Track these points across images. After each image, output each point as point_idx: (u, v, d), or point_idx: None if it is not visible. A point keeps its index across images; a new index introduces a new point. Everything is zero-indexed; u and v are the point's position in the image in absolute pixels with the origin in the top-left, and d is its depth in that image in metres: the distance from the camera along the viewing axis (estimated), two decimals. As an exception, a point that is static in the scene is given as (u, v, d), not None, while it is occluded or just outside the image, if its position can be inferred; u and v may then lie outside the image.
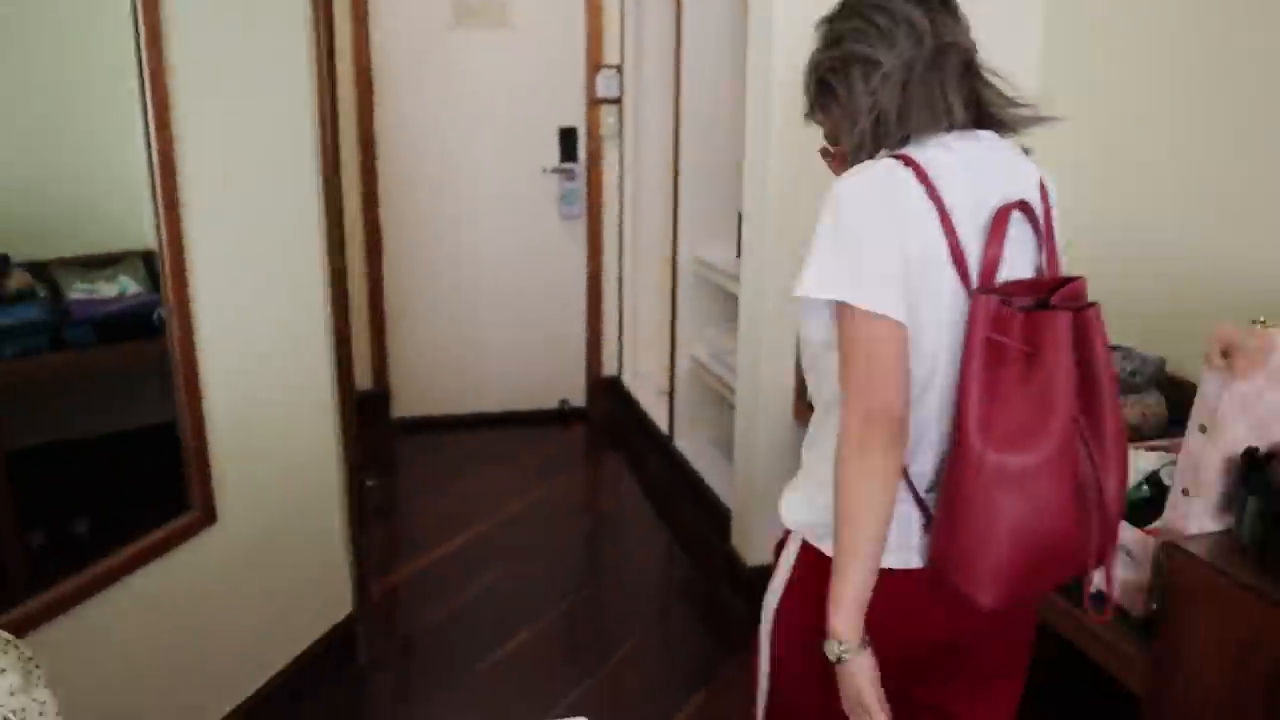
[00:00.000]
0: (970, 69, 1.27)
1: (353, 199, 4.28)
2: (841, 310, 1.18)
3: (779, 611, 1.40)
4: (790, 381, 2.78)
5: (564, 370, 4.73)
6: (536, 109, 4.36)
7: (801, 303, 1.24)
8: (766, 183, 2.63)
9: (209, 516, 2.15)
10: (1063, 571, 1.27)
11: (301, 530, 2.47)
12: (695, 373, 3.82)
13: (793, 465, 1.47)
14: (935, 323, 1.20)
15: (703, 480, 3.55)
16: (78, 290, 2.17)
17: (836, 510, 1.19)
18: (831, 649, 1.20)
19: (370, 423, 4.48)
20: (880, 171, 1.21)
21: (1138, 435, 2.02)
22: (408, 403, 4.64)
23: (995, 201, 1.21)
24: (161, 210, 1.95)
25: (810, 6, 1.42)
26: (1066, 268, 1.30)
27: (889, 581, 1.22)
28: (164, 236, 1.96)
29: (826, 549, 1.27)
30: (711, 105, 3.53)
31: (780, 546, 1.41)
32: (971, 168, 1.22)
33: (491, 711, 2.55)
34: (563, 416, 4.77)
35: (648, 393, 4.36)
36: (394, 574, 3.28)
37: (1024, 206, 1.24)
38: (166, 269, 1.98)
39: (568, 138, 4.38)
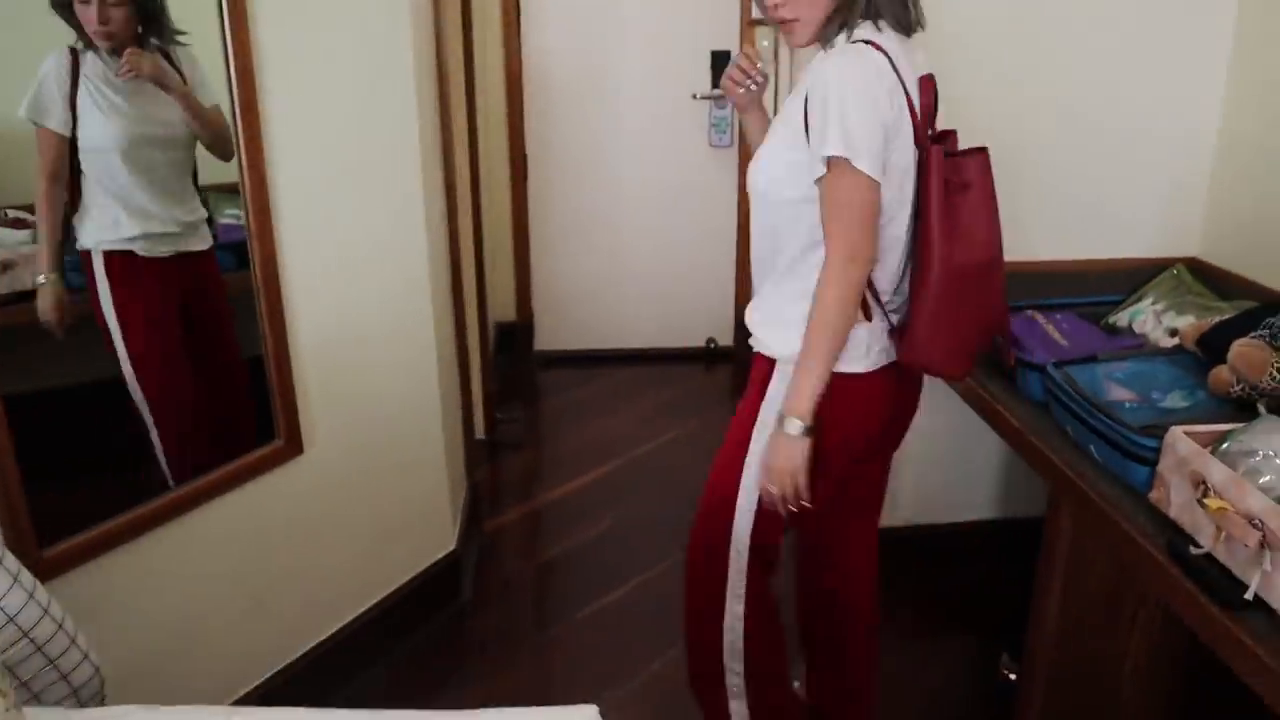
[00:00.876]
0: None
1: (497, 126, 4.20)
2: (843, 172, 1.46)
3: (826, 435, 1.60)
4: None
5: (711, 308, 4.55)
6: (686, 29, 4.14)
7: (783, 163, 1.56)
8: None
9: (295, 447, 2.10)
10: (991, 335, 1.75)
11: (399, 464, 2.40)
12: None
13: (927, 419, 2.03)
14: (900, 169, 1.53)
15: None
16: (225, 216, 2.15)
17: (814, 325, 1.52)
18: (794, 425, 1.54)
19: (511, 355, 4.47)
20: (868, 57, 1.48)
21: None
22: (550, 335, 4.58)
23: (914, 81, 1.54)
24: (239, 112, 1.87)
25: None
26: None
27: (865, 382, 1.63)
28: (242, 148, 1.88)
29: (838, 367, 1.58)
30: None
31: (763, 372, 1.67)
32: (903, 57, 1.53)
33: (572, 669, 2.46)
34: (709, 355, 4.59)
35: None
36: (511, 511, 3.22)
37: (931, 80, 1.58)
38: (245, 184, 1.91)
39: (719, 61, 4.13)
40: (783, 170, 1.57)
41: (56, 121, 1.85)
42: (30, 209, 1.89)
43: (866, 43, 1.48)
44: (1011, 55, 2.32)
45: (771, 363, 1.66)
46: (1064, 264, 2.46)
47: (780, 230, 1.61)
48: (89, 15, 1.81)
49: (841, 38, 1.52)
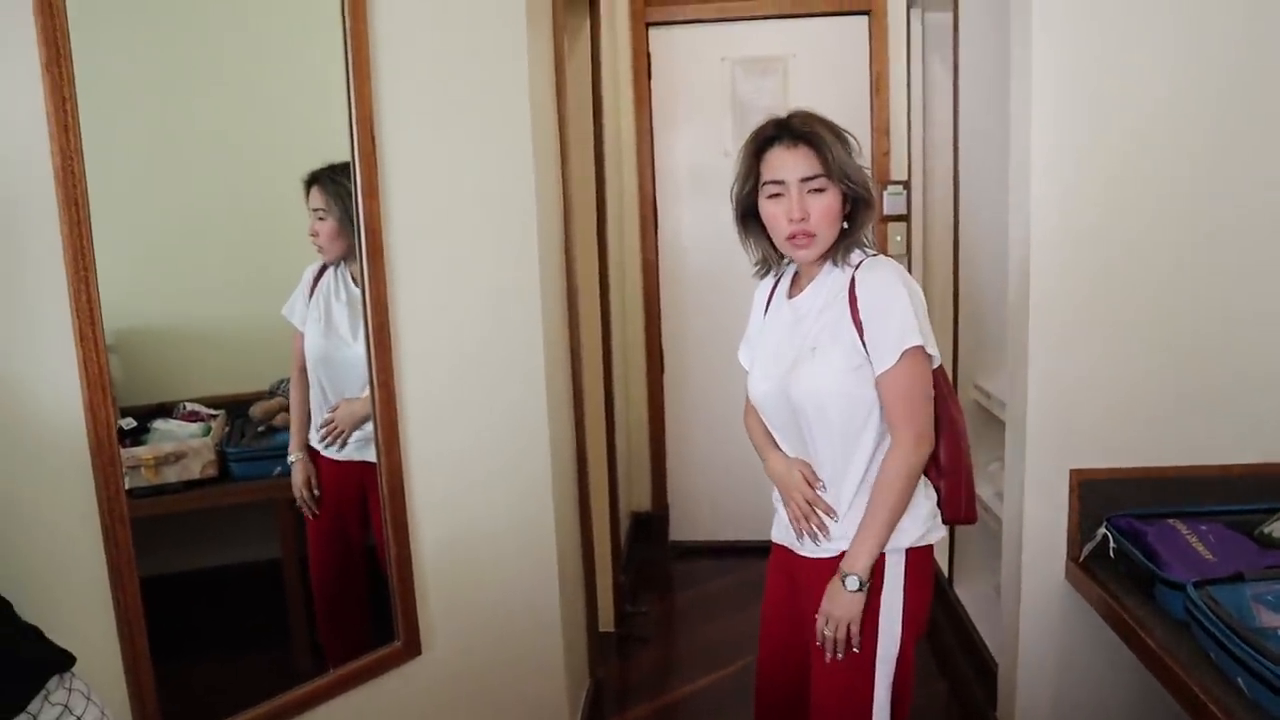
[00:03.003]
0: None
1: (634, 318, 4.35)
2: (916, 360, 1.73)
3: (906, 613, 1.80)
4: (1063, 529, 2.38)
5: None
6: (820, 228, 4.23)
7: (847, 372, 1.75)
8: (1026, 304, 2.32)
9: (414, 648, 2.15)
10: None
11: (516, 664, 2.40)
12: (981, 515, 3.42)
13: (1062, 631, 2.39)
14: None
15: (976, 631, 3.14)
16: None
17: (885, 498, 1.75)
18: (854, 581, 1.75)
19: (647, 545, 4.47)
20: (897, 264, 1.80)
21: None
22: (686, 526, 4.56)
23: None
24: (373, 344, 2.01)
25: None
26: None
27: (929, 556, 1.87)
28: (374, 367, 2.02)
29: (923, 541, 1.83)
30: (990, 218, 3.23)
31: (878, 569, 1.79)
32: None
33: None
34: (846, 550, 4.46)
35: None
36: (639, 708, 3.15)
37: None
38: (375, 398, 2.03)
39: (854, 257, 4.19)
40: (849, 378, 1.75)
41: (298, 320, 2.16)
42: (207, 402, 2.11)
43: (876, 255, 1.81)
44: (1143, 251, 2.28)
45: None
46: (1210, 469, 2.32)
47: (850, 433, 1.78)
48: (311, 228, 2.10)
49: (856, 255, 1.79)
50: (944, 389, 1.85)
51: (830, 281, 1.80)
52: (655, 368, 4.41)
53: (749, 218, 1.87)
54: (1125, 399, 2.32)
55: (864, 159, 1.81)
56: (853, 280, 1.75)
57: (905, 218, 4.12)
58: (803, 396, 1.78)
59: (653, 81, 4.29)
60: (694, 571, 4.34)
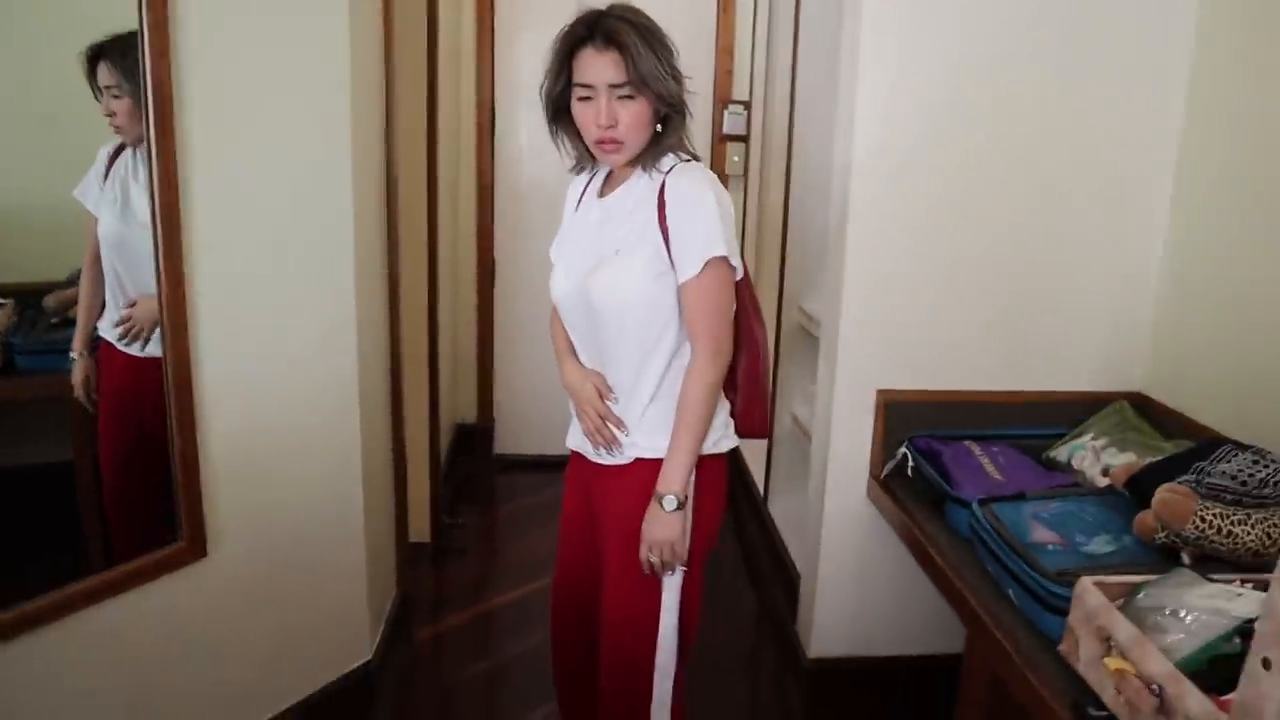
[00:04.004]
0: None
1: (466, 232, 4.22)
2: (719, 271, 1.69)
3: (695, 523, 1.77)
4: (867, 447, 2.44)
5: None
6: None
7: (649, 277, 1.69)
8: (844, 228, 2.33)
9: (199, 549, 2.03)
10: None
11: (311, 569, 2.31)
12: (794, 433, 3.50)
13: (861, 545, 2.46)
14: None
15: (784, 546, 3.23)
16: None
17: (690, 414, 1.70)
18: (671, 501, 1.70)
19: (471, 457, 4.40)
20: (709, 173, 1.74)
21: (1258, 565, 1.61)
22: (512, 439, 4.51)
23: None
24: (158, 206, 1.84)
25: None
26: None
27: (724, 460, 1.85)
28: (160, 241, 1.86)
29: (713, 449, 1.80)
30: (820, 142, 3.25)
31: (644, 478, 1.75)
32: None
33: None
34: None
35: (752, 450, 4.05)
36: (450, 619, 3.11)
37: None
38: (161, 279, 1.88)
39: (691, 175, 4.17)
40: (651, 284, 1.70)
41: (91, 204, 1.98)
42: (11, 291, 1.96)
43: (693, 158, 1.76)
44: (955, 182, 2.32)
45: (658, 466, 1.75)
46: (1004, 395, 2.42)
47: (647, 340, 1.74)
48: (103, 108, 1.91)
49: (668, 160, 1.73)
50: (747, 301, 1.82)
51: (640, 185, 1.74)
52: (485, 278, 4.30)
53: (561, 115, 1.79)
54: (930, 324, 2.38)
55: (684, 61, 1.74)
56: (663, 185, 1.70)
57: (744, 138, 4.11)
58: (601, 298, 1.73)
59: (495, -21, 4.11)
60: (517, 485, 4.31)
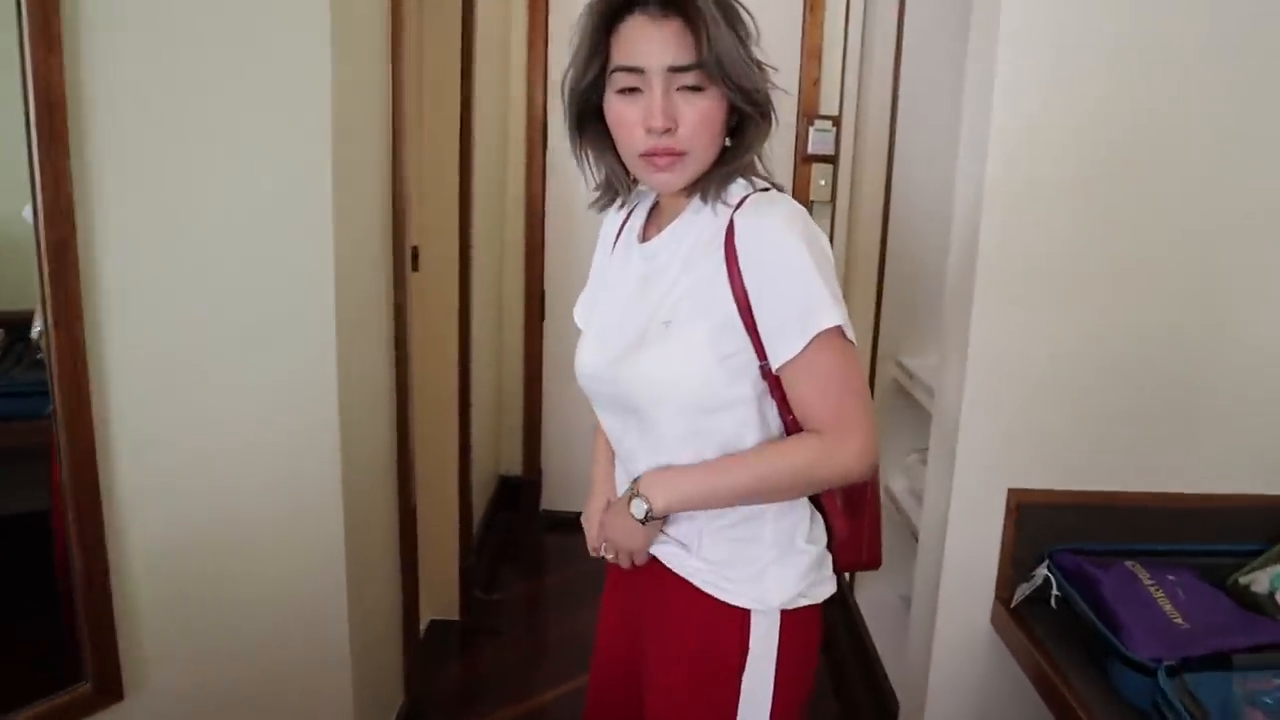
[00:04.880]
0: None
1: (515, 253, 3.76)
2: (837, 347, 1.16)
3: (777, 688, 1.28)
4: (993, 562, 1.89)
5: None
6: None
7: (713, 359, 1.18)
8: (972, 272, 1.79)
9: (111, 691, 1.56)
10: None
11: (281, 696, 1.83)
12: (887, 509, 2.94)
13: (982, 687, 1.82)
14: None
15: (877, 656, 2.67)
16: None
17: (754, 475, 1.20)
18: (640, 508, 1.24)
19: (515, 514, 3.93)
20: (795, 204, 1.21)
21: None
22: (563, 494, 4.02)
23: None
24: (45, 236, 1.38)
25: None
26: None
27: (814, 619, 1.33)
28: (46, 292, 1.39)
29: (802, 601, 1.29)
30: (933, 163, 2.70)
31: (713, 622, 1.28)
32: None
33: None
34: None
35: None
36: (472, 726, 2.62)
37: None
38: (52, 356, 1.42)
39: (770, 201, 3.65)
40: (716, 371, 1.19)
41: None
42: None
43: (771, 186, 1.25)
44: (1117, 224, 1.76)
45: (733, 615, 1.28)
46: (1168, 497, 1.84)
47: (713, 442, 1.23)
48: None
49: (738, 188, 1.22)
50: None
51: (699, 224, 1.23)
52: (534, 312, 3.82)
53: (588, 121, 1.28)
54: (1085, 405, 1.82)
55: (765, 56, 1.23)
56: (730, 226, 1.18)
57: (833, 159, 3.57)
58: (644, 390, 1.23)
59: (553, -23, 3.64)
60: (566, 547, 3.81)
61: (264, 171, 1.63)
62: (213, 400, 1.65)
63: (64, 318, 1.40)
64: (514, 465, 4.00)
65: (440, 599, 3.04)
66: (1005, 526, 1.84)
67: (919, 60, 2.75)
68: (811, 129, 3.56)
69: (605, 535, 1.35)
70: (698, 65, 1.14)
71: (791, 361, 1.16)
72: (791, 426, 1.22)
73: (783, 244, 1.14)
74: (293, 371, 1.72)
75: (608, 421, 1.36)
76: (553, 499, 4.02)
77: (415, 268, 2.70)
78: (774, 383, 1.20)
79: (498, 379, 3.84)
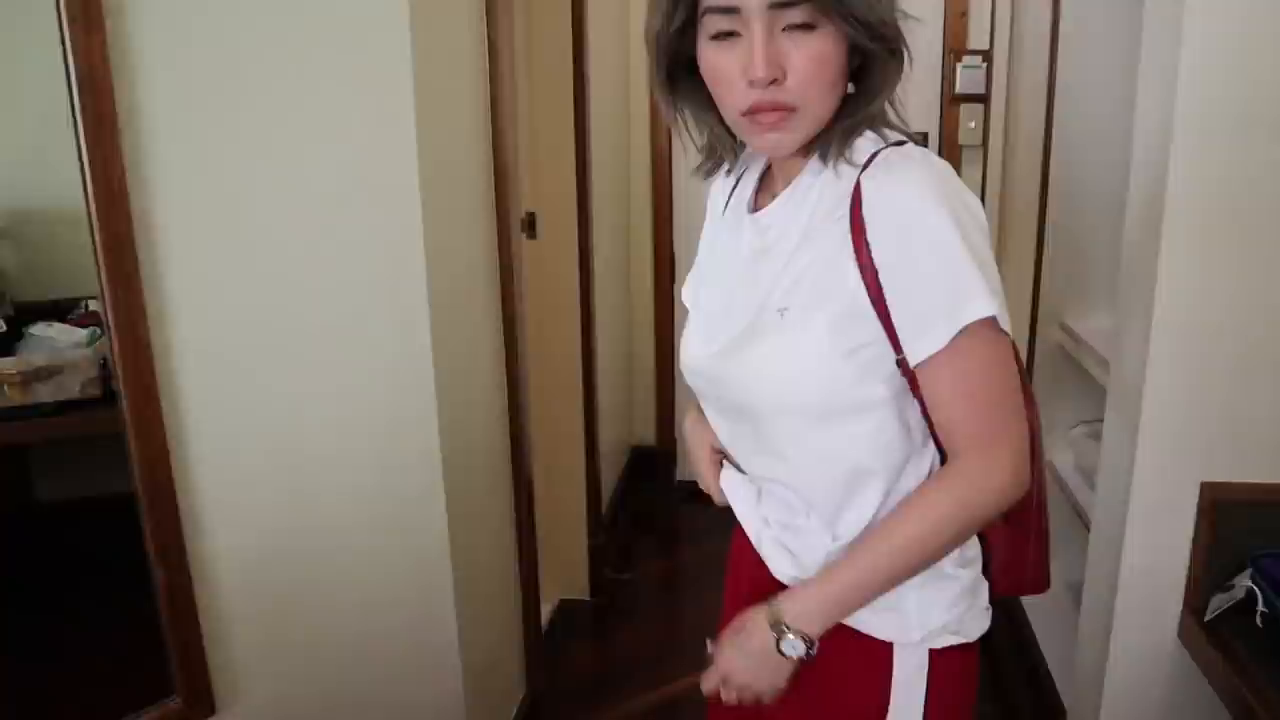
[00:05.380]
0: None
1: (641, 210, 3.58)
2: (990, 340, 0.96)
3: None
4: (1181, 566, 1.62)
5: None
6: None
7: (838, 356, 0.98)
8: (1159, 221, 1.51)
9: (203, 706, 1.48)
10: None
11: (389, 704, 1.73)
12: (1053, 490, 2.65)
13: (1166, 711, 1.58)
14: None
15: (1042, 658, 2.41)
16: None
17: (904, 545, 1.00)
18: (797, 647, 1.02)
19: (651, 483, 3.79)
20: (939, 164, 0.97)
21: None
22: (699, 463, 3.86)
23: None
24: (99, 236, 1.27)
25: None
26: None
27: (972, 660, 1.13)
28: (106, 292, 1.29)
29: (953, 638, 1.08)
30: (1105, 98, 2.37)
31: (852, 657, 1.08)
32: None
33: None
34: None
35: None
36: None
37: None
38: (116, 359, 1.31)
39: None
40: (841, 367, 0.98)
41: None
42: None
43: (908, 139, 1.01)
44: None
45: (874, 649, 1.09)
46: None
47: (839, 459, 1.04)
48: None
49: (867, 143, 0.99)
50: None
51: (819, 189, 1.01)
52: (664, 278, 3.64)
53: (681, 75, 1.06)
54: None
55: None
56: (857, 189, 0.96)
57: (984, 98, 3.24)
58: (756, 388, 1.03)
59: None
60: (702, 520, 3.63)
61: (339, 143, 1.49)
62: (293, 395, 1.54)
63: (125, 316, 1.30)
64: (647, 435, 3.85)
65: (568, 579, 2.93)
66: (1198, 525, 1.57)
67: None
68: (960, 66, 3.24)
69: (734, 676, 1.08)
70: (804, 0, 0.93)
71: (932, 358, 0.95)
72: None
73: (920, 211, 0.93)
74: (382, 355, 1.59)
75: (717, 423, 1.17)
76: (688, 469, 3.86)
77: (532, 235, 2.56)
78: (914, 379, 0.99)
79: (628, 346, 3.69)
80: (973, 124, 3.26)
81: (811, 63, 0.94)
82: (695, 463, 1.23)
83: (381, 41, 1.48)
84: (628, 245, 3.59)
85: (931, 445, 1.05)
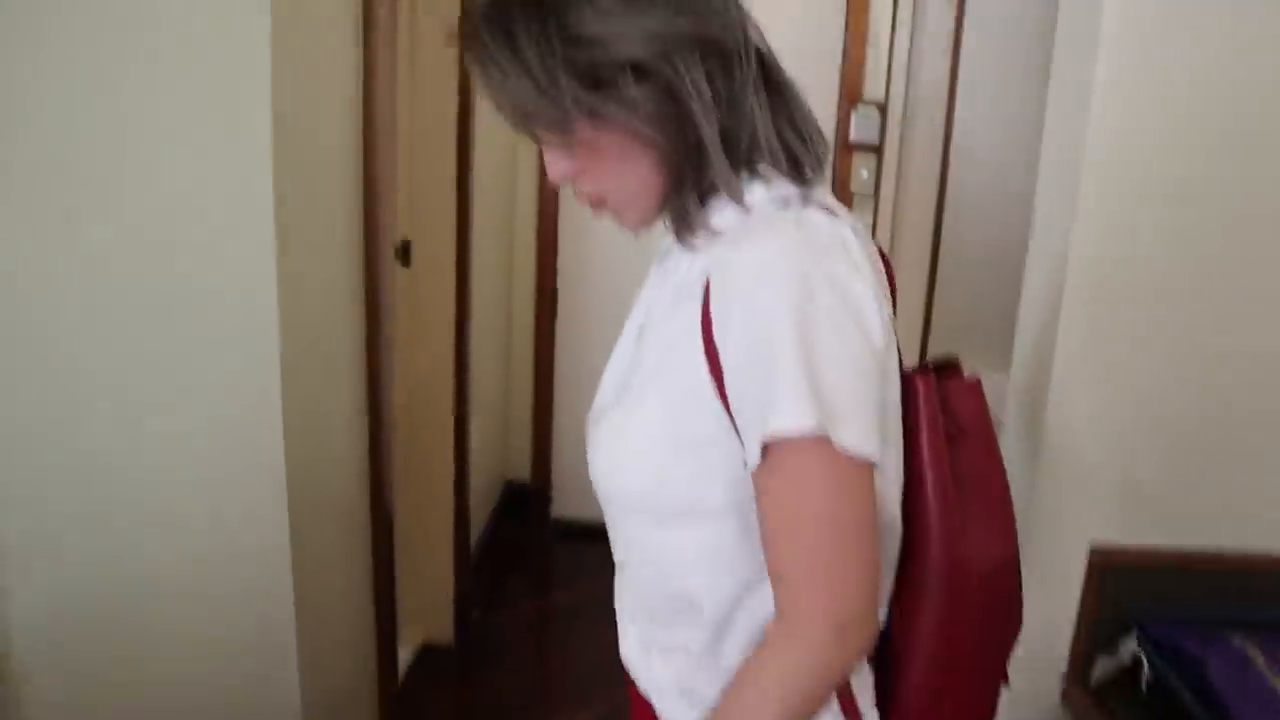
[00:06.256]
0: None
1: (524, 241, 3.48)
2: (812, 458, 0.77)
3: None
4: (1066, 631, 1.59)
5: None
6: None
7: (667, 446, 0.85)
8: (1060, 280, 1.49)
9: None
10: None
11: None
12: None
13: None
14: (894, 420, 0.88)
15: None
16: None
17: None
18: None
19: (522, 522, 3.66)
20: (815, 231, 0.81)
21: None
22: (574, 500, 3.73)
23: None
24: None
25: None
26: None
27: None
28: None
29: None
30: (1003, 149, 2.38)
31: None
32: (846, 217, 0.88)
33: None
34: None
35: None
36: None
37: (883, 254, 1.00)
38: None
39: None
40: (670, 462, 0.86)
41: None
42: None
43: (786, 201, 0.85)
44: (1238, 225, 1.46)
45: None
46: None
47: (674, 568, 0.90)
48: None
49: (727, 215, 0.85)
50: (931, 478, 0.89)
51: (685, 265, 0.91)
52: (545, 312, 3.53)
53: None
54: (1182, 447, 1.51)
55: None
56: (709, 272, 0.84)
57: (877, 148, 3.25)
58: (593, 471, 0.93)
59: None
60: (577, 560, 3.51)
61: (184, 158, 1.35)
62: (111, 441, 1.38)
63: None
64: (522, 470, 3.71)
65: (433, 622, 2.77)
66: (1084, 590, 1.54)
67: (986, 29, 2.43)
68: (854, 115, 3.24)
69: None
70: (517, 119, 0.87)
71: (753, 475, 0.81)
72: None
73: (751, 293, 0.78)
74: (220, 391, 1.44)
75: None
76: (564, 506, 3.73)
77: (406, 263, 2.43)
78: None
79: (505, 380, 3.56)
80: (865, 173, 3.26)
81: (580, 160, 0.88)
82: None
83: (238, 47, 1.34)
84: (510, 279, 3.48)
85: None
